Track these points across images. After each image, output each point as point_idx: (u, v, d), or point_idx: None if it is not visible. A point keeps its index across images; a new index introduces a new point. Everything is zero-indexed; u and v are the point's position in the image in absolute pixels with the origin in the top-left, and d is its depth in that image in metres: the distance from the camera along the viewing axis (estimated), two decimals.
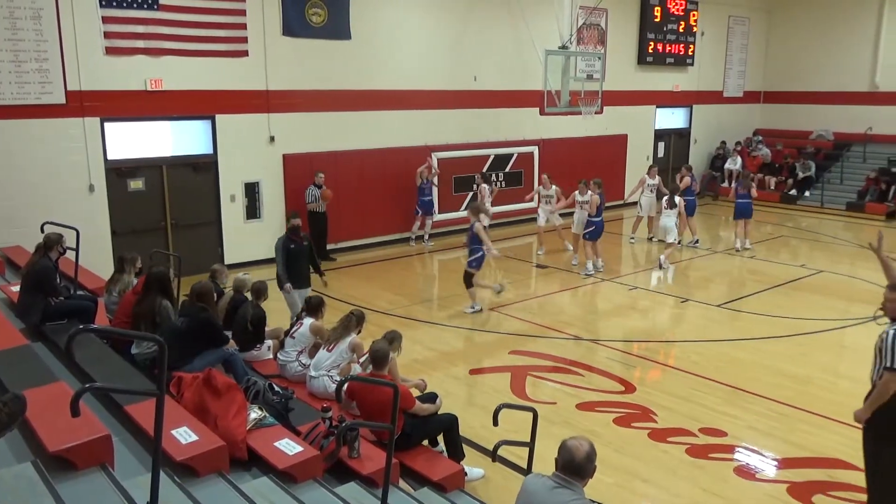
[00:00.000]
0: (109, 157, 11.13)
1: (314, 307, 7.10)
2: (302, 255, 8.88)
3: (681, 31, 19.43)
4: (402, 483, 5.19)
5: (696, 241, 14.74)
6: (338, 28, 13.13)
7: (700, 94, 20.85)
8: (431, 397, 6.02)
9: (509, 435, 5.85)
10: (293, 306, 8.74)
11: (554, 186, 13.75)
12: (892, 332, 4.77)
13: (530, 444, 5.61)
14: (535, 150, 16.78)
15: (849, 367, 8.50)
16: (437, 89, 14.75)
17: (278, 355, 7.03)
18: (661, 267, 12.99)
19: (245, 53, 12.09)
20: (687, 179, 14.55)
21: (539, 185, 14.52)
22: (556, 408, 7.27)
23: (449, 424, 5.86)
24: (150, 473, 3.43)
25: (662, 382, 8.13)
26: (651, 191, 14.83)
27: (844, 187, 19.33)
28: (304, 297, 8.08)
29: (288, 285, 8.73)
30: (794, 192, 19.70)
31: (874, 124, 19.89)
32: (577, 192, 12.68)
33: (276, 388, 5.79)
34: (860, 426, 5.03)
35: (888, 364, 4.73)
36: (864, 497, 5.28)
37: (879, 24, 19.97)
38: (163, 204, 11.81)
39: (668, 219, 13.19)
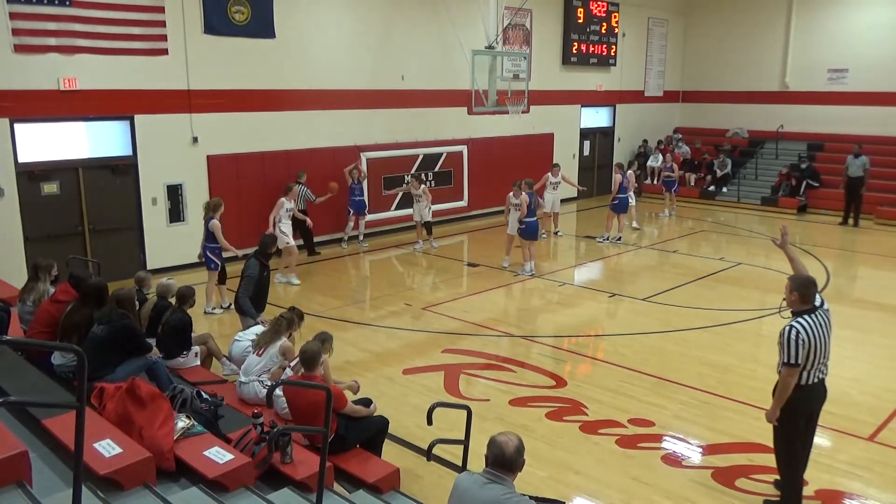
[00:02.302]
0: (20, 159, 10.62)
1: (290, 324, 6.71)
2: (269, 280, 8.30)
3: (603, 32, 19.91)
4: (336, 486, 5.14)
5: (619, 238, 15.11)
6: (261, 26, 12.89)
7: (623, 94, 21.42)
8: (366, 402, 5.97)
9: (444, 433, 5.88)
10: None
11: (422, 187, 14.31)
12: (788, 327, 5.00)
13: (465, 442, 5.65)
14: (463, 149, 16.90)
15: (766, 355, 8.84)
16: (365, 89, 14.67)
17: (240, 379, 6.48)
18: (637, 228, 16.26)
19: (164, 52, 11.73)
20: (618, 177, 14.89)
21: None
22: (490, 404, 7.33)
23: (381, 427, 5.85)
24: (71, 489, 3.30)
25: (593, 376, 8.31)
26: (554, 188, 15.24)
27: (759, 183, 20.20)
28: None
29: (261, 317, 7.73)
30: (712, 188, 20.46)
31: (785, 122, 20.87)
32: (511, 194, 12.73)
33: (205, 396, 5.66)
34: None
35: (785, 359, 4.97)
36: None
37: (788, 28, 20.97)
38: (79, 208, 11.35)
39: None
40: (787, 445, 5.26)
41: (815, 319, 4.99)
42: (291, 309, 6.99)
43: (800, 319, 4.99)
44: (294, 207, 12.03)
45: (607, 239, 15.12)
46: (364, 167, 14.65)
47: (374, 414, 5.92)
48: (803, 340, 4.90)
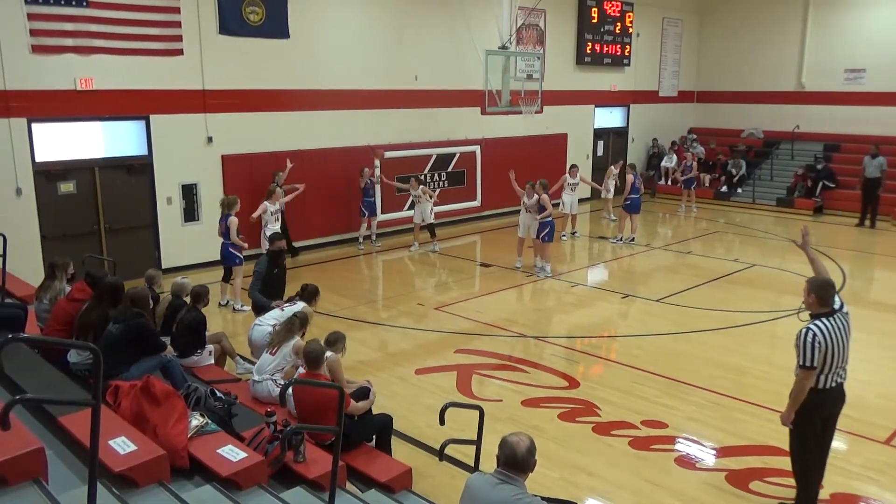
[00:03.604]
0: (38, 159, 10.72)
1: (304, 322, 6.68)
2: (281, 279, 8.40)
3: (617, 32, 19.83)
4: (349, 486, 5.15)
5: (633, 239, 15.04)
6: (276, 27, 12.95)
7: (637, 94, 21.32)
8: (364, 392, 6.00)
9: (456, 433, 5.88)
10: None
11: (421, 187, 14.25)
12: (805, 329, 4.95)
13: (477, 442, 5.64)
14: (476, 149, 16.88)
15: (781, 357, 8.79)
16: (378, 89, 14.69)
17: (253, 377, 6.52)
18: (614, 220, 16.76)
19: (180, 52, 11.81)
20: (630, 177, 14.83)
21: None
22: (502, 405, 7.32)
23: (384, 424, 5.89)
24: (86, 486, 3.32)
25: (605, 377, 8.28)
26: (572, 189, 15.11)
27: (774, 184, 20.03)
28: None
29: (275, 302, 7.86)
30: (725, 188, 20.32)
31: (801, 123, 20.68)
32: (524, 195, 12.61)
33: (219, 394, 5.68)
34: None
35: (801, 362, 4.92)
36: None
37: (804, 28, 20.79)
38: (96, 207, 11.44)
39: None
40: (802, 448, 5.22)
41: (833, 322, 4.94)
42: (304, 287, 7.10)
43: (817, 322, 4.94)
44: (279, 210, 11.70)
45: (621, 240, 15.06)
46: (377, 169, 14.63)
47: (374, 400, 5.98)
48: (819, 343, 4.86)
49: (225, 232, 10.32)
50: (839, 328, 4.95)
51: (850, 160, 18.86)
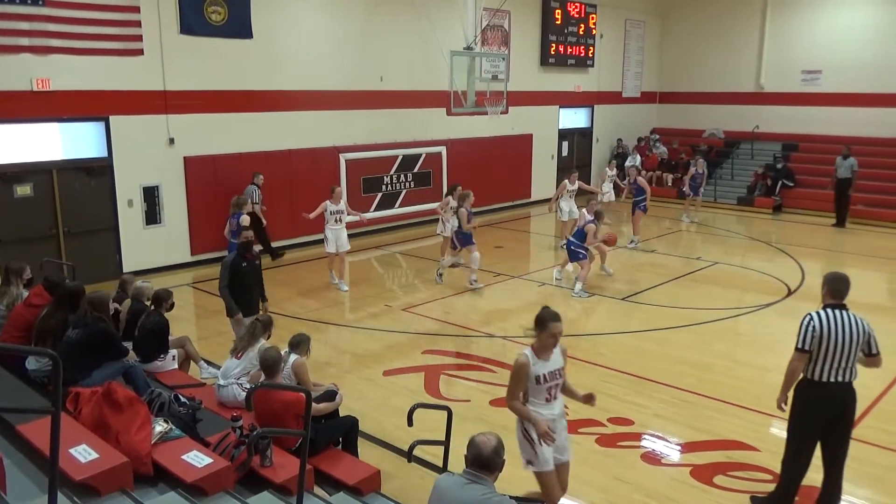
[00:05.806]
0: None
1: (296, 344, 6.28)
2: (253, 276, 7.89)
3: (581, 33, 20.03)
4: (317, 489, 5.11)
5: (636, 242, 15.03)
6: (239, 27, 12.80)
7: (601, 95, 21.55)
8: (330, 395, 5.96)
9: (424, 434, 5.86)
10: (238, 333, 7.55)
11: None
12: (806, 314, 5.06)
13: (445, 443, 5.64)
14: (442, 150, 16.90)
15: (745, 353, 8.98)
16: (344, 90, 14.63)
17: (218, 382, 6.39)
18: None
19: (140, 52, 11.61)
20: (642, 180, 14.83)
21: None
22: (470, 405, 7.33)
23: (350, 426, 5.86)
24: (46, 496, 3.25)
25: (573, 375, 8.23)
26: (570, 196, 14.62)
27: (735, 183, 20.42)
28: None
29: (239, 315, 7.63)
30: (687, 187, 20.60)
31: (760, 123, 21.13)
32: (584, 209, 12.08)
33: (183, 399, 5.60)
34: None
35: (796, 344, 5.02)
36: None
37: (763, 30, 21.24)
38: (54, 210, 11.19)
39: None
40: (792, 439, 5.27)
41: (839, 315, 4.98)
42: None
43: (820, 310, 5.05)
44: (345, 210, 11.55)
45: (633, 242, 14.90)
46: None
47: (341, 403, 5.94)
48: (814, 328, 4.95)
49: (233, 231, 10.22)
50: (845, 323, 4.97)
51: (808, 159, 19.32)
